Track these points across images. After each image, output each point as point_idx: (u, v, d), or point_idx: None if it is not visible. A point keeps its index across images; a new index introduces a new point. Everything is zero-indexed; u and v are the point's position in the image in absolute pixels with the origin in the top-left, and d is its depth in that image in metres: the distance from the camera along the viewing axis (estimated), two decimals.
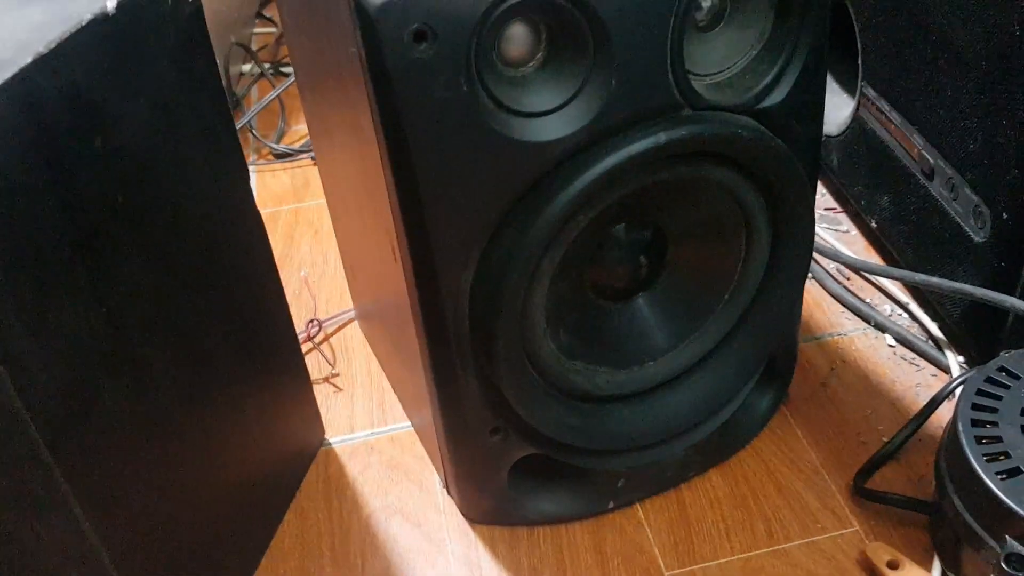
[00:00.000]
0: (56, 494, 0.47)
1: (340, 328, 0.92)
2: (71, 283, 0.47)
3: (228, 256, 0.63)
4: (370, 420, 0.82)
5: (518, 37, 0.52)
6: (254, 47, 1.39)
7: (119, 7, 0.49)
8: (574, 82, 0.53)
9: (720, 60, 0.58)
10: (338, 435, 0.80)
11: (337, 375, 0.86)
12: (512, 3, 0.49)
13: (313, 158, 1.18)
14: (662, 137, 0.54)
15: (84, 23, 0.47)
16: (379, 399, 0.84)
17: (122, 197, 0.51)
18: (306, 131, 1.24)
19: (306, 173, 1.17)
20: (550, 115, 0.53)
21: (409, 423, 0.81)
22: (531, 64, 0.53)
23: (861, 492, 0.70)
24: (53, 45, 0.45)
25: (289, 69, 1.35)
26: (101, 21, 0.48)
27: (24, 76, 0.43)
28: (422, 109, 0.51)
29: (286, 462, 0.75)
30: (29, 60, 0.43)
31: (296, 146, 1.20)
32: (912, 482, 0.71)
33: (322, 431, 0.80)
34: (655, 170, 0.57)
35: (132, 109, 0.51)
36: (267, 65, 1.35)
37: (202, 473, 0.61)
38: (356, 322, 0.92)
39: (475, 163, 0.53)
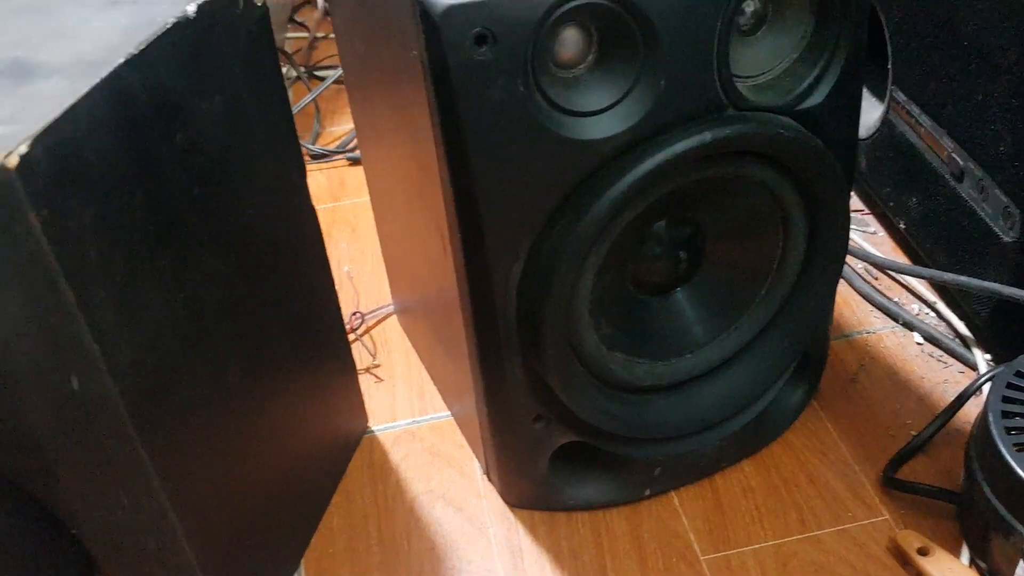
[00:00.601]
0: (138, 465, 0.50)
1: (379, 322, 0.95)
2: (156, 269, 0.50)
3: (286, 248, 0.66)
4: (411, 409, 0.85)
5: (571, 40, 0.55)
6: (288, 51, 1.42)
7: (198, 10, 0.52)
8: (624, 83, 0.56)
9: (762, 63, 0.60)
10: (381, 423, 0.83)
11: (378, 366, 0.89)
12: (568, 8, 0.52)
13: (349, 159, 1.21)
14: (707, 136, 0.57)
15: (168, 26, 0.50)
16: (419, 389, 0.87)
17: (198, 190, 0.54)
18: (341, 132, 1.27)
19: (341, 173, 1.20)
20: (601, 114, 0.56)
21: (448, 412, 0.84)
22: (582, 66, 0.56)
23: (890, 483, 0.72)
24: (142, 47, 0.48)
25: (324, 73, 1.38)
26: (183, 24, 0.51)
27: (116, 75, 0.46)
28: (480, 108, 0.54)
29: (333, 446, 0.78)
30: (121, 60, 0.46)
31: (332, 147, 1.23)
32: (940, 473, 0.73)
33: (366, 418, 0.83)
34: (699, 168, 0.59)
35: (207, 107, 0.54)
36: (302, 68, 1.38)
37: (260, 453, 0.64)
38: (395, 316, 0.95)
39: (528, 160, 0.56)
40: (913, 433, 0.76)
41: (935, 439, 0.76)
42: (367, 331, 0.94)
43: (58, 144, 0.41)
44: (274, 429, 0.66)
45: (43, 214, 0.40)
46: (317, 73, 1.39)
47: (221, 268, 0.57)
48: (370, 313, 0.95)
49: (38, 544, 0.48)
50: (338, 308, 0.75)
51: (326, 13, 1.54)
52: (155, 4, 0.52)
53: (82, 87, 0.44)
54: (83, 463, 0.47)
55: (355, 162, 1.21)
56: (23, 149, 0.39)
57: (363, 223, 1.10)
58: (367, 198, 1.13)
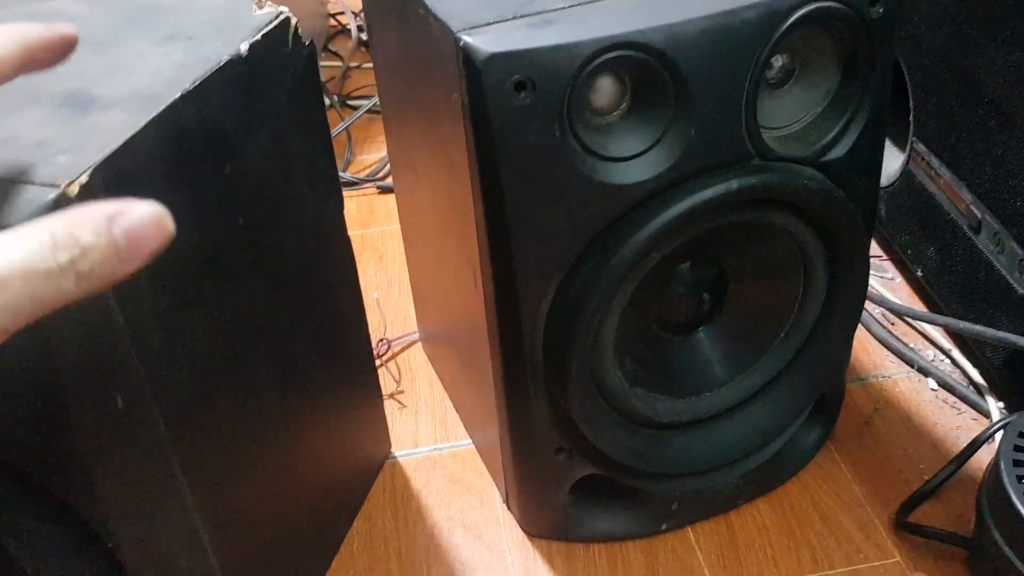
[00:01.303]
0: (173, 484, 0.52)
1: (404, 349, 0.97)
2: (200, 296, 0.52)
3: (321, 277, 0.68)
4: (433, 436, 0.87)
5: (606, 89, 0.57)
6: (321, 80, 1.46)
7: (250, 49, 0.55)
8: (656, 131, 0.58)
9: (789, 115, 0.62)
10: (403, 449, 0.85)
11: (402, 392, 0.91)
12: (604, 59, 0.54)
13: (379, 187, 1.24)
14: (734, 184, 0.59)
15: (222, 63, 0.52)
16: (441, 417, 0.89)
17: (242, 220, 0.56)
18: (371, 161, 1.30)
19: (371, 201, 1.23)
20: (632, 160, 0.58)
21: (470, 440, 0.86)
22: (616, 113, 0.58)
23: (903, 525, 0.74)
24: (197, 82, 0.50)
25: (357, 102, 1.42)
26: (236, 62, 0.53)
27: (172, 109, 0.48)
28: (517, 152, 0.56)
29: (357, 470, 0.80)
30: (177, 95, 0.49)
31: (362, 175, 1.26)
32: (952, 518, 0.75)
33: (389, 444, 0.85)
34: (725, 214, 0.61)
35: (254, 140, 0.57)
36: (335, 96, 1.42)
37: (287, 476, 0.66)
38: (420, 344, 0.97)
39: (561, 201, 0.58)
40: (926, 477, 0.78)
41: (947, 484, 0.77)
42: (392, 357, 0.96)
43: (116, 174, 0.43)
44: (302, 453, 0.68)
45: None
46: (350, 102, 1.42)
47: (260, 296, 0.59)
48: (396, 340, 0.97)
49: (78, 557, 0.50)
50: (368, 335, 0.77)
51: (360, 43, 1.57)
52: (209, 42, 0.54)
53: (140, 120, 0.46)
54: (122, 480, 0.48)
55: (384, 190, 1.24)
56: (84, 179, 0.41)
57: (391, 251, 1.12)
58: (395, 226, 1.16)
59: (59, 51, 0.43)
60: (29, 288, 0.31)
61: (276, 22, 0.56)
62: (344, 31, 1.62)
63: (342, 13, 1.63)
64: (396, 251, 1.13)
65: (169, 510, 0.52)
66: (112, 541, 0.49)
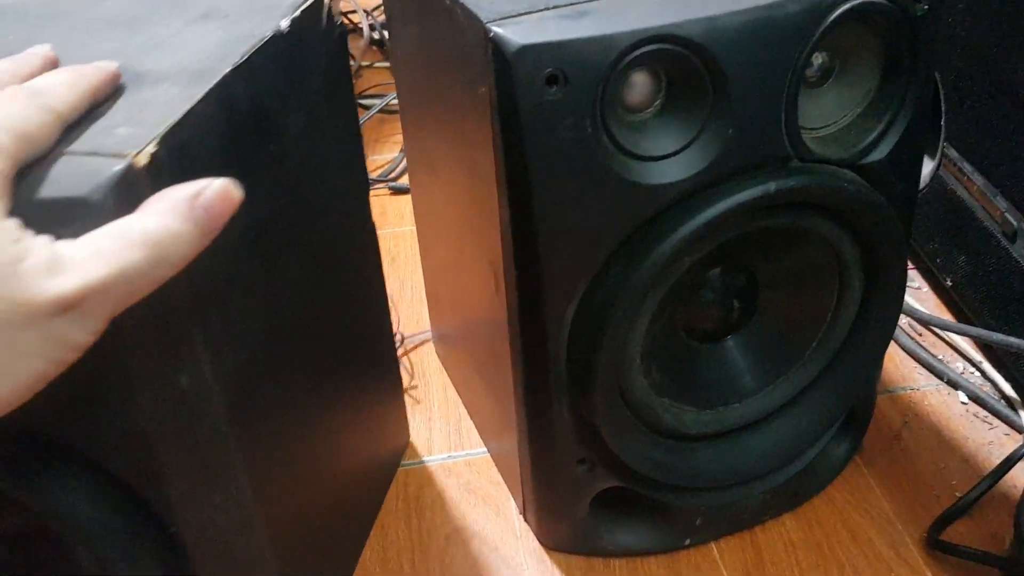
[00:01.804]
0: (229, 465, 0.50)
1: (416, 347, 0.95)
2: (250, 276, 0.51)
3: (351, 262, 0.68)
4: (447, 444, 0.84)
5: (641, 84, 0.55)
6: None
7: (291, 25, 0.53)
8: (691, 129, 0.56)
9: (828, 115, 0.60)
10: (417, 457, 0.83)
11: (415, 387, 0.90)
12: (640, 53, 0.52)
13: (392, 188, 1.22)
14: (772, 186, 0.56)
15: (266, 39, 0.51)
16: (456, 425, 0.86)
17: (284, 200, 0.55)
18: (383, 161, 1.28)
19: (383, 202, 1.20)
20: (666, 160, 0.56)
21: (485, 449, 0.83)
22: (650, 110, 0.56)
23: (935, 544, 0.71)
24: (245, 57, 0.49)
25: (368, 101, 1.39)
26: (278, 38, 0.52)
27: (223, 84, 0.47)
28: (547, 148, 0.54)
29: (381, 457, 0.79)
30: (228, 70, 0.47)
31: (375, 175, 1.24)
32: (985, 537, 0.72)
33: (408, 433, 0.84)
34: (760, 217, 0.59)
35: (294, 120, 0.56)
36: None
37: (323, 460, 0.65)
38: (432, 349, 0.95)
39: (592, 201, 0.56)
40: (958, 494, 0.75)
41: (980, 501, 0.74)
42: (406, 353, 0.94)
43: (178, 146, 0.42)
44: (335, 437, 0.67)
45: None
46: (362, 101, 1.40)
47: (298, 278, 0.58)
48: (409, 337, 0.95)
49: (143, 541, 0.48)
50: (390, 323, 0.77)
51: (371, 42, 1.55)
52: (245, 20, 0.53)
53: (195, 93, 0.45)
54: (185, 460, 0.47)
55: (397, 191, 1.21)
56: (152, 148, 0.40)
57: (403, 253, 1.10)
58: (408, 228, 1.14)
59: (111, 88, 0.46)
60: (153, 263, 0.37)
61: (310, 0, 0.55)
62: (356, 30, 1.59)
63: (354, 12, 1.61)
64: (409, 253, 1.10)
65: (226, 492, 0.51)
66: (174, 524, 0.48)
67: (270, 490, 0.55)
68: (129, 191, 0.38)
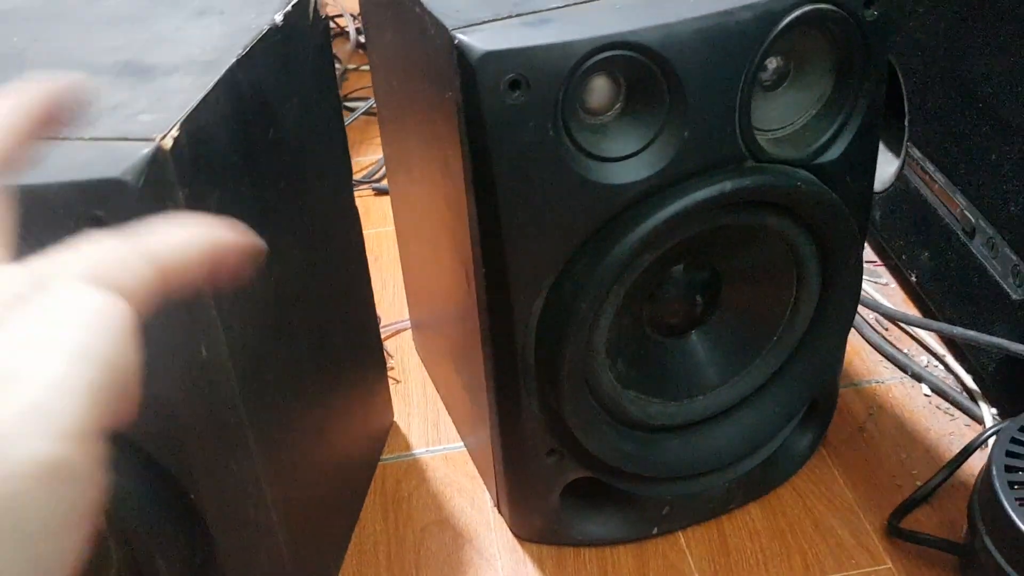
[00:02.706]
0: (243, 435, 0.53)
1: (395, 334, 0.97)
2: None
3: (338, 243, 0.71)
4: (425, 439, 0.86)
5: (600, 89, 0.57)
6: None
7: (284, 19, 0.57)
8: (649, 131, 0.58)
9: (782, 117, 0.62)
10: (394, 452, 0.85)
11: (392, 368, 0.93)
12: (599, 59, 0.54)
13: (375, 189, 1.24)
14: (728, 185, 0.59)
15: (264, 31, 0.54)
16: (434, 420, 0.88)
17: (283, 183, 0.58)
18: (367, 163, 1.30)
19: (366, 203, 1.22)
20: (626, 160, 0.58)
21: (462, 444, 0.85)
22: (610, 113, 0.58)
23: (895, 532, 0.73)
24: (247, 48, 0.52)
25: (353, 104, 1.41)
26: (274, 31, 0.56)
27: (230, 73, 0.50)
28: (511, 150, 0.56)
29: (369, 434, 0.82)
30: (233, 60, 0.51)
31: (358, 177, 1.26)
32: (944, 525, 0.74)
33: (392, 412, 0.88)
34: (718, 216, 0.61)
35: (289, 107, 0.59)
36: None
37: (320, 435, 0.68)
38: (413, 346, 0.97)
39: (554, 201, 0.58)
40: (918, 483, 0.77)
41: (940, 490, 0.77)
42: (387, 339, 0.96)
43: (195, 130, 0.46)
44: (330, 413, 0.70)
45: (185, 192, 0.45)
46: (347, 104, 1.42)
47: (296, 258, 0.61)
48: (388, 325, 0.98)
49: (167, 509, 0.51)
50: (373, 305, 0.81)
51: (358, 46, 1.57)
52: (241, 15, 0.57)
53: (207, 82, 0.48)
54: (204, 427, 0.51)
55: (380, 192, 1.24)
56: (175, 132, 0.44)
57: (385, 253, 1.12)
58: (390, 227, 1.16)
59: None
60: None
61: None
62: (342, 34, 1.61)
63: (340, 16, 1.63)
64: (391, 253, 1.12)
65: (239, 460, 0.54)
66: (193, 490, 0.51)
67: (274, 459, 0.58)
68: (157, 171, 0.42)
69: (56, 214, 0.42)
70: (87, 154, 0.43)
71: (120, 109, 0.47)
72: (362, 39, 1.58)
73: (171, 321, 0.46)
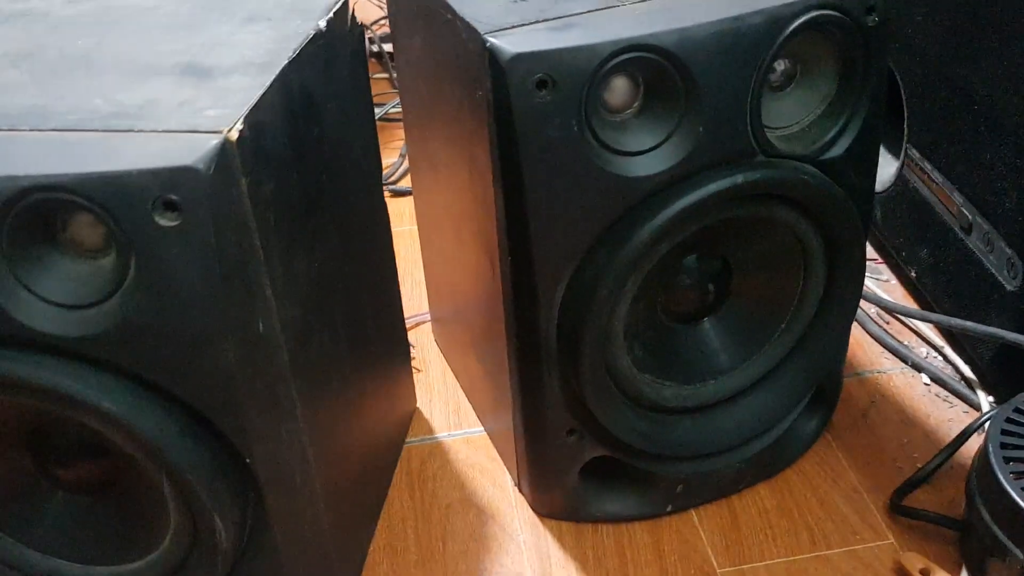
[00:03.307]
0: (292, 406, 0.58)
1: (416, 326, 1.01)
2: (302, 240, 0.59)
3: (370, 235, 0.76)
4: (447, 424, 0.90)
5: (621, 88, 0.62)
6: None
7: (327, 25, 0.61)
8: (666, 128, 0.62)
9: (790, 116, 0.67)
10: (418, 436, 0.89)
11: (414, 358, 0.97)
12: (620, 60, 0.59)
13: (391, 191, 1.28)
14: (739, 179, 0.63)
15: (310, 36, 0.59)
16: (455, 406, 0.92)
17: (325, 177, 0.63)
18: (383, 166, 1.34)
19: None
20: (644, 155, 0.62)
21: (482, 428, 0.89)
22: (629, 111, 0.62)
23: (897, 509, 0.77)
24: (297, 51, 0.57)
25: None
26: (319, 36, 0.60)
27: (283, 74, 0.55)
28: (538, 145, 0.60)
29: (396, 417, 0.86)
30: (286, 62, 0.55)
31: None
32: (943, 503, 0.78)
33: (415, 397, 0.92)
34: (730, 207, 0.65)
35: (329, 107, 0.63)
36: None
37: (353, 413, 0.72)
38: (432, 338, 1.01)
39: (577, 192, 0.62)
40: (919, 465, 0.82)
41: (939, 472, 0.81)
42: (409, 329, 1.00)
43: (255, 125, 0.50)
44: (362, 396, 0.74)
45: (247, 180, 0.49)
46: None
47: (336, 247, 0.65)
48: (410, 318, 1.02)
49: (226, 473, 0.56)
50: (400, 297, 0.85)
51: (371, 54, 1.62)
52: (288, 21, 0.61)
53: (264, 81, 0.53)
54: (260, 396, 0.55)
55: (396, 194, 1.28)
56: (240, 126, 0.48)
57: (402, 251, 1.16)
58: (407, 227, 1.20)
59: None
60: None
61: (340, 4, 0.64)
62: None
63: None
64: (407, 251, 1.16)
65: (289, 429, 0.58)
66: (249, 456, 0.55)
67: (317, 431, 0.63)
68: (225, 160, 0.47)
69: (133, 198, 0.46)
70: (161, 144, 0.48)
71: (187, 105, 0.51)
72: (374, 48, 1.63)
73: (233, 299, 0.50)
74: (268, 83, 0.53)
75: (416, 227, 0.96)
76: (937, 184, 0.91)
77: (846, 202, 0.68)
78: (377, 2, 1.70)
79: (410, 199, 1.23)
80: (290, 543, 0.61)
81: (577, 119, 0.60)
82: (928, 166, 0.93)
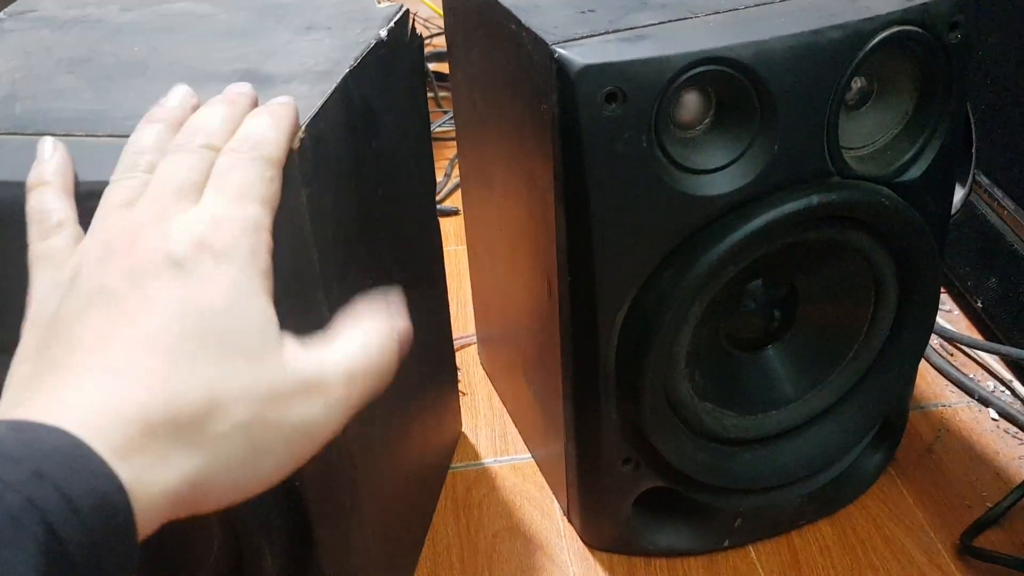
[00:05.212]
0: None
1: (462, 348, 0.99)
2: (358, 258, 0.57)
3: (422, 254, 0.74)
4: (493, 450, 0.88)
5: (693, 103, 0.59)
6: None
7: (387, 35, 0.60)
8: (739, 145, 0.60)
9: (866, 136, 0.64)
10: (463, 461, 0.86)
11: (460, 380, 0.93)
12: (693, 73, 0.56)
13: (438, 210, 1.26)
14: (814, 199, 0.60)
15: (371, 46, 0.57)
16: (501, 431, 0.90)
17: (381, 191, 0.61)
18: None
19: None
20: (715, 173, 0.60)
21: (529, 454, 0.87)
22: (700, 127, 0.60)
23: (968, 550, 0.74)
24: (358, 60, 0.55)
25: None
26: (379, 45, 0.58)
27: (344, 83, 0.53)
28: (605, 161, 0.58)
29: (442, 441, 0.84)
30: (347, 70, 0.53)
31: None
32: (1017, 545, 0.75)
33: (460, 422, 0.90)
34: (802, 230, 0.63)
35: (388, 119, 0.61)
36: None
37: (399, 440, 0.70)
38: (478, 363, 0.98)
39: (645, 211, 0.60)
40: (989, 505, 0.78)
41: (1011, 512, 0.77)
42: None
43: (316, 134, 0.48)
44: (409, 418, 0.72)
45: (307, 191, 0.47)
46: None
47: (390, 265, 0.63)
48: (456, 339, 0.99)
49: (275, 498, 0.53)
50: (449, 318, 0.83)
51: None
52: (348, 30, 0.59)
53: (324, 89, 0.51)
54: None
55: (442, 214, 1.26)
56: (301, 135, 0.46)
57: (448, 271, 1.14)
58: (452, 247, 1.18)
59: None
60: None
61: (400, 14, 0.62)
62: None
63: None
64: (452, 271, 1.14)
65: (338, 450, 0.55)
66: (298, 479, 0.53)
67: (364, 452, 0.60)
68: (287, 171, 0.45)
69: None
70: None
71: None
72: None
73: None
74: (329, 92, 0.51)
75: (460, 247, 0.94)
76: (1008, 211, 0.88)
77: (923, 227, 0.65)
78: (423, 21, 1.69)
79: (453, 219, 1.21)
80: (338, 570, 0.58)
81: (647, 134, 0.57)
82: (998, 193, 0.89)
